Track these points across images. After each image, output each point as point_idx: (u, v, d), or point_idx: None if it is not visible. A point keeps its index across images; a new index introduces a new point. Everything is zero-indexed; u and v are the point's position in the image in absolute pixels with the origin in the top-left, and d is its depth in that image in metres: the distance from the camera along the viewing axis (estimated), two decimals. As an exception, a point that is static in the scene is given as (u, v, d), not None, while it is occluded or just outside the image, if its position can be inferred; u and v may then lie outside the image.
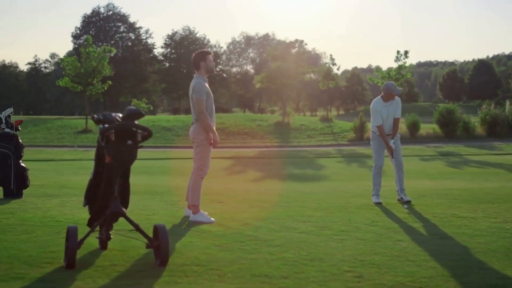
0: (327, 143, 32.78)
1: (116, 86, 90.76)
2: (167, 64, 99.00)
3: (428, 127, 34.60)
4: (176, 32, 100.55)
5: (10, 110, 9.87)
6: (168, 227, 7.30)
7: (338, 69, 42.07)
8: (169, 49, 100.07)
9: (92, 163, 5.64)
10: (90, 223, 5.45)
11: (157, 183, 13.10)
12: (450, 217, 8.29)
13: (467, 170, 17.76)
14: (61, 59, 39.77)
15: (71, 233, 4.97)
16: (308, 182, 14.46)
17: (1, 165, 9.64)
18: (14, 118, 9.94)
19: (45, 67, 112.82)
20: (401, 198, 9.94)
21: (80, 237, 5.09)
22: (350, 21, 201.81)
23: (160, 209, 8.88)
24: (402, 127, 33.82)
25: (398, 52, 35.33)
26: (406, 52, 35.32)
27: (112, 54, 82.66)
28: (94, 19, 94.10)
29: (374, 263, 5.44)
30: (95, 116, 5.15)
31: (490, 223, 7.82)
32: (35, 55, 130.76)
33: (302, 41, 50.97)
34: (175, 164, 20.75)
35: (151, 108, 38.22)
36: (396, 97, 10.09)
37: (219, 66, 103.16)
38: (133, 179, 5.66)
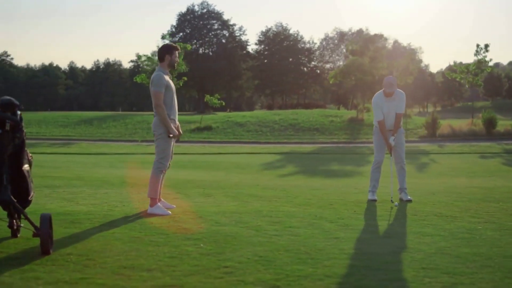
0: (396, 139, 31.94)
1: (211, 82, 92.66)
2: (264, 61, 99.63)
3: (508, 124, 33.02)
4: (270, 28, 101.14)
5: (6, 105, 10.18)
6: (120, 217, 7.38)
7: (422, 63, 40.71)
8: (262, 46, 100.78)
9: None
10: None
11: (183, 177, 13.20)
12: (430, 216, 7.92)
13: (518, 169, 16.82)
14: (138, 56, 40.92)
15: None
16: (333, 178, 14.15)
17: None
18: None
19: (147, 65, 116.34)
20: (393, 199, 9.46)
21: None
22: (453, 14, 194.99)
23: (135, 202, 8.89)
24: (478, 123, 32.46)
25: (477, 45, 33.88)
26: (486, 46, 33.81)
27: (201, 51, 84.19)
28: (189, 17, 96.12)
29: (269, 260, 5.22)
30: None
31: (465, 223, 7.40)
32: (138, 53, 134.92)
33: (381, 36, 49.87)
34: (223, 159, 20.84)
35: (223, 104, 38.59)
36: (400, 92, 9.60)
37: (313, 63, 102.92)
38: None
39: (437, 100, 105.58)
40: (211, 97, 39.13)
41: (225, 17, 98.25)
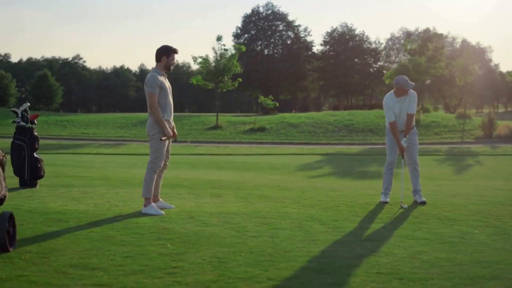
0: (451, 140, 31.19)
1: (276, 83, 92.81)
2: (329, 61, 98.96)
3: None
4: (335, 29, 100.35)
5: (26, 105, 10.53)
6: (111, 216, 7.47)
7: (491, 63, 39.56)
8: (327, 47, 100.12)
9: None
10: None
11: (205, 178, 13.27)
12: (432, 220, 7.79)
13: None
14: (194, 58, 41.38)
15: None
16: (362, 179, 13.97)
17: (16, 157, 10.31)
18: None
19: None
20: (403, 202, 9.19)
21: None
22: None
23: (140, 202, 8.89)
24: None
25: (540, 43, 32.65)
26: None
27: (266, 52, 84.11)
28: (253, 18, 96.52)
29: (224, 261, 5.17)
30: None
31: (463, 227, 7.25)
32: (206, 55, 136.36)
33: (441, 35, 48.76)
34: (263, 159, 20.81)
35: (277, 104, 38.56)
36: (411, 92, 9.38)
37: (379, 63, 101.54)
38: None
39: (507, 100, 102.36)
40: (265, 98, 39.22)
41: (290, 18, 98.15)
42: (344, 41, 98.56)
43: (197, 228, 6.78)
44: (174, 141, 8.40)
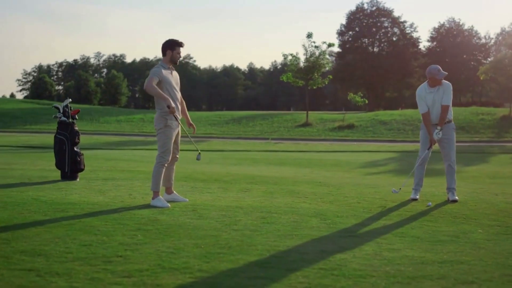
0: (546, 138, 29.54)
1: (381, 81, 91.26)
2: (436, 58, 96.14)
3: None
4: (443, 24, 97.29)
5: (68, 101, 11.00)
6: (116, 207, 7.70)
7: None
8: (434, 43, 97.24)
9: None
10: None
11: (249, 173, 13.34)
12: (444, 217, 7.59)
13: None
14: (284, 55, 41.44)
15: None
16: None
17: (58, 150, 10.80)
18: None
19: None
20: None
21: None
22: None
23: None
24: None
25: None
26: None
27: (371, 49, 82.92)
28: (358, 15, 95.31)
29: (174, 252, 5.20)
30: None
31: (469, 226, 6.97)
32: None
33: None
34: (330, 157, 20.59)
35: (366, 101, 37.94)
36: (446, 82, 9.09)
37: (489, 59, 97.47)
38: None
39: None
40: (354, 96, 38.76)
41: (396, 14, 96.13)
42: (452, 37, 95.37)
43: (187, 220, 6.85)
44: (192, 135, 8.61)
